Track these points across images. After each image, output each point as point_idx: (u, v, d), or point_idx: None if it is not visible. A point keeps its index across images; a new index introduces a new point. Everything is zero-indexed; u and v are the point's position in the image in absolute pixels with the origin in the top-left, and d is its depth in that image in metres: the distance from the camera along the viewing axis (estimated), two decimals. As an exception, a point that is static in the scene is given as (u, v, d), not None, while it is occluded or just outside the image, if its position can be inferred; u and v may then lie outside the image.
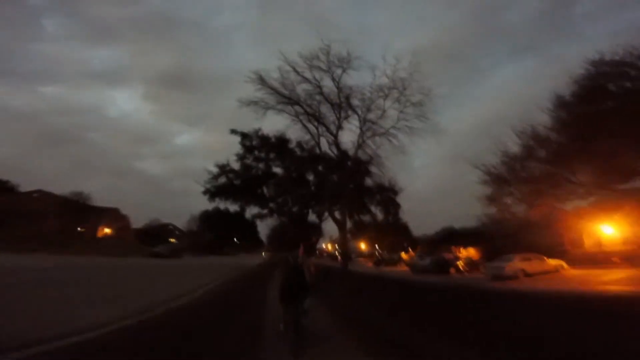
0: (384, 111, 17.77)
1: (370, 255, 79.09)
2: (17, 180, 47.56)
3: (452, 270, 25.60)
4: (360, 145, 18.28)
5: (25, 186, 46.52)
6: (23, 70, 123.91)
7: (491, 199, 19.73)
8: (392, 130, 18.24)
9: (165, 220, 75.04)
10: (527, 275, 17.87)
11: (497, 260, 20.06)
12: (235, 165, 21.86)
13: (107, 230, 46.42)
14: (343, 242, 18.37)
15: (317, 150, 20.43)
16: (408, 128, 18.11)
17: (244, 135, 21.83)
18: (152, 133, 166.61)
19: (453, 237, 37.00)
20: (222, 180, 21.44)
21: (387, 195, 22.95)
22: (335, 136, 18.35)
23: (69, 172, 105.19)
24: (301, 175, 23.27)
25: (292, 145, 22.81)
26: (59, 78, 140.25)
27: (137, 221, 63.00)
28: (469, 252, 36.37)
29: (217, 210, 67.13)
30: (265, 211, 24.34)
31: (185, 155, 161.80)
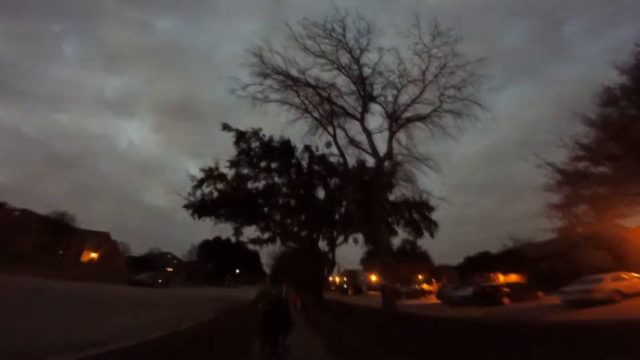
0: (425, 85, 13.33)
1: (379, 288, 72.08)
2: (14, 203, 43.43)
3: (506, 300, 20.17)
4: (392, 134, 13.64)
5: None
6: (38, 93, 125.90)
7: (564, 207, 14.87)
8: (433, 115, 13.73)
9: (166, 249, 70.77)
10: (625, 296, 13.81)
11: (577, 282, 15.20)
12: (228, 174, 17.33)
13: (92, 255, 41.79)
14: (387, 270, 12.99)
15: (334, 146, 16.00)
16: (452, 113, 13.69)
17: (240, 135, 17.41)
18: (159, 164, 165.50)
19: (487, 263, 31.27)
20: (209, 189, 16.78)
21: (421, 212, 18.24)
22: (362, 119, 13.72)
23: (74, 198, 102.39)
24: (310, 191, 18.87)
25: (299, 152, 18.51)
26: (72, 104, 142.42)
27: (139, 249, 59.10)
28: (509, 279, 30.67)
29: (217, 240, 62.62)
30: (265, 235, 19.64)
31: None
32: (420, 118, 13.45)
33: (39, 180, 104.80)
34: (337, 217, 20.07)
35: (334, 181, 19.27)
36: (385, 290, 12.31)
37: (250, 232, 20.54)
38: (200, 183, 16.34)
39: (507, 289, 21.65)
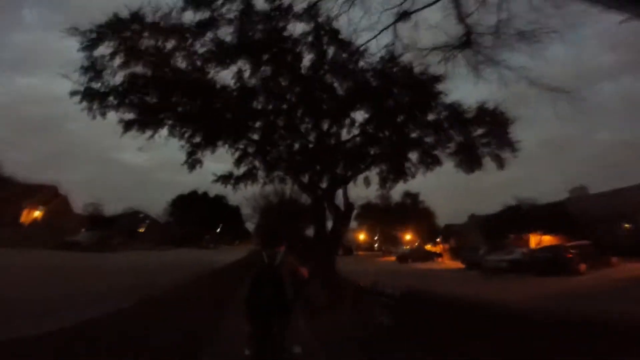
0: None
1: (369, 249, 67.33)
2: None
3: (583, 266, 14.50)
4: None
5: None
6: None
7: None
8: None
9: (144, 209, 63.77)
10: None
11: None
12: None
13: (36, 213, 34.23)
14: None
15: None
16: None
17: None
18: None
19: (521, 220, 25.44)
20: (112, 44, 8.43)
21: (490, 128, 11.37)
22: None
23: (48, 162, 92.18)
24: (308, 93, 11.57)
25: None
26: (36, 68, 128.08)
27: (115, 209, 52.09)
28: (544, 241, 25.34)
29: (193, 194, 55.38)
30: (241, 170, 12.56)
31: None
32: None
33: (12, 146, 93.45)
34: (345, 142, 13.16)
35: (347, 84, 12.03)
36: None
37: (216, 163, 13.51)
38: (95, 39, 8.17)
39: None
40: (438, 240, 43.90)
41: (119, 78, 8.57)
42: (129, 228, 49.16)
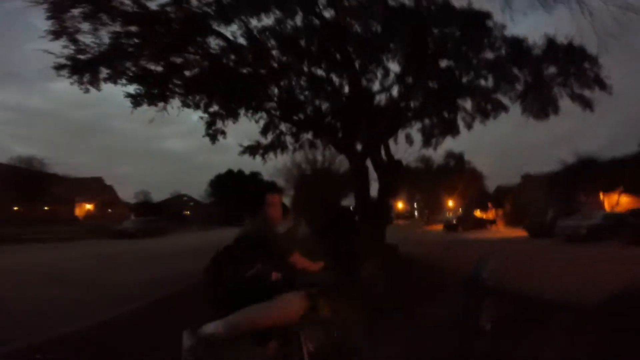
0: None
1: (407, 217, 63.92)
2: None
3: None
4: None
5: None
6: (26, 71, 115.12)
7: None
8: None
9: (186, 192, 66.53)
10: None
11: None
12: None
13: (88, 207, 36.15)
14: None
15: None
16: None
17: None
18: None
19: (589, 179, 21.50)
20: None
21: (573, 66, 8.77)
22: None
23: (101, 161, 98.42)
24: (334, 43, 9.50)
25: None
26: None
27: (162, 195, 56.19)
28: (618, 202, 21.47)
29: (230, 173, 56.16)
30: (268, 138, 11.20)
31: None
32: None
33: (64, 149, 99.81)
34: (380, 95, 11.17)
35: (373, 28, 9.88)
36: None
37: (237, 132, 11.98)
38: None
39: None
40: (489, 205, 40.15)
41: (105, 41, 7.24)
42: (175, 212, 51.15)
